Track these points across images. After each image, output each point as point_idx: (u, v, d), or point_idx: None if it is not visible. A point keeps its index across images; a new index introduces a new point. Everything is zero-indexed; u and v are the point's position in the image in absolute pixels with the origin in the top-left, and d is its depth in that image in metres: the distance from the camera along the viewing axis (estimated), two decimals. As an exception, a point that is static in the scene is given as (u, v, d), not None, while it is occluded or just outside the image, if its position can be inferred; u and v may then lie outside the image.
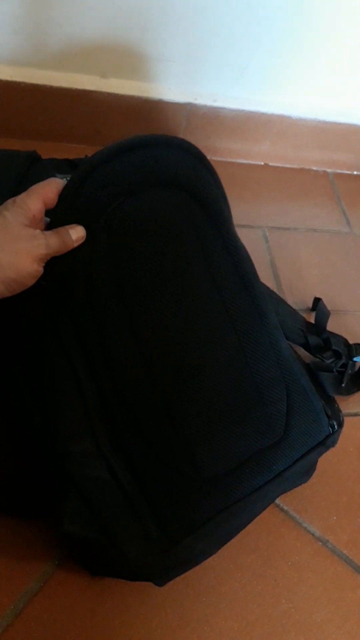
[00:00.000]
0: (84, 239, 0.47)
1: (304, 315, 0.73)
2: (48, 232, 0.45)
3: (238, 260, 0.52)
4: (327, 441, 0.53)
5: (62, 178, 0.57)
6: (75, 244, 0.46)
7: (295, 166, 0.99)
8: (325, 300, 0.74)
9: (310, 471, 0.58)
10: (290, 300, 0.77)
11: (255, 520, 0.56)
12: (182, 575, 0.51)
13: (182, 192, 0.50)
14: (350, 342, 0.70)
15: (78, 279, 0.47)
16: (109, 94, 0.81)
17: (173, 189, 0.50)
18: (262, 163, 0.98)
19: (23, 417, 0.47)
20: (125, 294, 0.48)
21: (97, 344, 0.47)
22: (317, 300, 0.75)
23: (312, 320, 0.72)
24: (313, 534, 0.58)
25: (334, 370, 0.64)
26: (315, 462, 0.57)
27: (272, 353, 0.52)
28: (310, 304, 0.77)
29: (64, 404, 0.47)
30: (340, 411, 0.59)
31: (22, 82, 0.77)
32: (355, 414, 0.67)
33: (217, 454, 0.48)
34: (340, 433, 0.56)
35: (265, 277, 0.80)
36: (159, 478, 0.46)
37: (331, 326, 0.71)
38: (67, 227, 0.46)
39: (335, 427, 0.55)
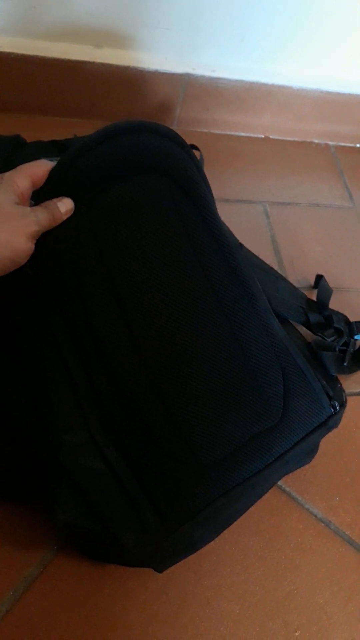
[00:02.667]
0: (73, 211, 0.47)
1: (306, 293, 0.71)
2: (37, 208, 0.45)
3: (223, 245, 0.52)
4: (329, 422, 0.53)
5: (51, 160, 0.56)
6: (64, 217, 0.47)
7: (296, 139, 0.97)
8: (327, 278, 0.72)
9: (312, 452, 0.57)
10: (291, 278, 0.75)
11: (257, 502, 0.56)
12: (183, 559, 0.51)
13: (164, 178, 0.50)
14: (352, 319, 0.69)
15: (64, 266, 0.47)
16: (103, 65, 0.78)
17: (156, 175, 0.50)
18: (263, 136, 0.95)
19: (13, 407, 0.46)
20: (112, 280, 0.48)
21: (87, 331, 0.47)
22: (319, 278, 0.73)
23: (315, 298, 0.70)
24: (315, 515, 0.58)
25: (336, 348, 0.63)
26: (318, 443, 0.56)
27: (264, 336, 0.52)
28: (312, 281, 0.76)
29: (56, 394, 0.46)
30: (343, 391, 0.58)
31: (12, 53, 0.74)
32: (359, 394, 0.66)
33: (214, 438, 0.47)
34: (342, 413, 0.55)
35: (266, 253, 0.78)
36: (155, 465, 0.46)
37: (334, 304, 0.69)
38: (55, 200, 0.46)
39: (337, 407, 0.54)
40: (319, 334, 0.64)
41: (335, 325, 0.65)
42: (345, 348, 0.64)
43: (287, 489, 0.59)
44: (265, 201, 0.85)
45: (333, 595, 0.53)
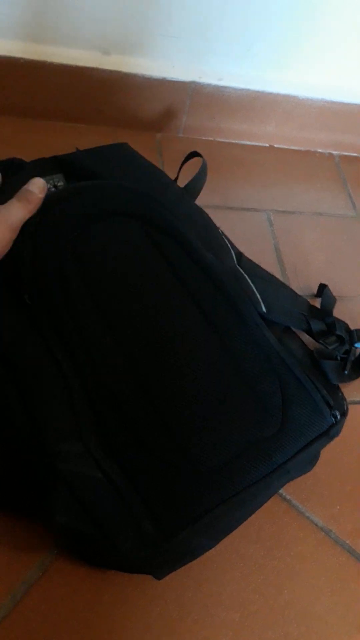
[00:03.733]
0: (46, 187, 0.53)
1: (310, 300, 0.71)
2: (11, 200, 0.50)
3: (206, 267, 0.55)
4: (330, 431, 0.53)
5: (48, 180, 0.57)
6: (41, 195, 0.52)
7: (300, 148, 0.97)
8: (330, 286, 0.72)
9: (313, 461, 0.57)
10: (294, 286, 0.75)
11: (257, 511, 0.56)
12: (183, 567, 0.51)
13: (138, 220, 0.56)
14: (353, 327, 0.69)
15: (52, 287, 0.51)
16: (110, 72, 0.78)
17: (131, 219, 0.56)
18: (268, 145, 0.95)
19: (8, 415, 0.47)
20: (98, 302, 0.51)
21: (79, 346, 0.49)
22: (322, 287, 0.73)
23: (318, 306, 0.70)
24: (316, 524, 0.57)
25: (338, 357, 0.63)
26: (319, 452, 0.56)
27: (258, 349, 0.53)
28: (315, 289, 0.76)
29: (51, 404, 0.47)
30: (344, 400, 0.58)
31: (21, 58, 0.75)
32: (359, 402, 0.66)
33: (212, 446, 0.48)
34: (344, 422, 0.55)
35: (269, 261, 0.78)
36: (151, 473, 0.46)
37: (337, 312, 0.69)
38: (24, 186, 0.51)
39: (338, 416, 0.54)
40: (321, 342, 0.64)
41: (338, 332, 0.65)
42: (346, 356, 0.64)
43: (288, 497, 0.58)
44: (269, 209, 0.85)
45: (333, 604, 0.53)
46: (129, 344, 0.50)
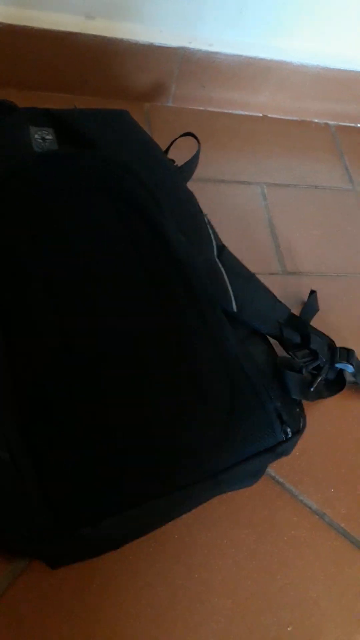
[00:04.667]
0: None
1: (302, 283, 0.68)
2: None
3: (172, 251, 0.53)
4: (276, 449, 0.49)
5: (37, 131, 0.54)
6: None
7: (295, 118, 0.94)
8: (325, 262, 0.70)
9: (256, 475, 0.53)
10: (288, 262, 0.73)
11: (249, 494, 0.54)
12: (172, 552, 0.50)
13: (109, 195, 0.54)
14: (351, 308, 0.66)
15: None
16: (94, 37, 0.75)
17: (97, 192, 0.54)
18: (261, 114, 0.92)
19: None
20: (49, 272, 0.49)
21: (16, 313, 0.48)
22: (311, 293, 0.67)
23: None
24: (310, 507, 0.56)
25: (303, 370, 0.56)
26: (264, 468, 0.53)
27: (213, 346, 0.50)
28: (309, 268, 0.73)
29: None
30: (302, 417, 0.53)
31: (1, 23, 0.71)
32: (355, 382, 0.64)
33: (138, 441, 0.45)
34: (296, 442, 0.51)
35: (262, 237, 0.75)
36: (63, 462, 0.43)
37: (333, 290, 0.67)
38: None
39: (290, 434, 0.50)
40: (291, 353, 0.58)
41: (312, 346, 0.58)
42: (315, 372, 0.58)
43: (281, 479, 0.57)
44: (262, 182, 0.82)
45: (327, 589, 0.52)
46: (71, 319, 0.48)
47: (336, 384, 0.60)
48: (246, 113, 0.91)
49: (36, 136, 0.56)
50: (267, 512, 0.55)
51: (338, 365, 0.59)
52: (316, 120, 0.95)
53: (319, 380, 0.56)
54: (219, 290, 0.55)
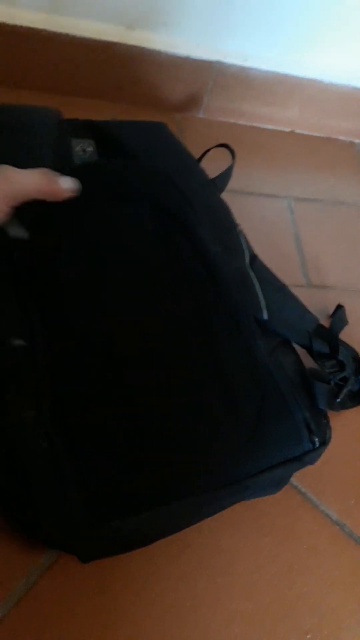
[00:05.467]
0: (75, 193, 0.48)
1: (325, 297, 0.69)
2: (32, 170, 0.44)
3: (208, 260, 0.54)
4: (303, 458, 0.50)
5: (78, 143, 0.55)
6: (65, 195, 0.47)
7: (322, 135, 0.95)
8: (349, 278, 0.71)
9: (280, 484, 0.53)
10: (313, 276, 0.74)
11: (271, 502, 0.55)
12: (196, 556, 0.51)
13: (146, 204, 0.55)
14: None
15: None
16: (134, 47, 0.76)
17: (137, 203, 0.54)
18: (289, 130, 0.93)
19: None
20: (88, 281, 0.50)
21: (55, 311, 0.48)
22: (338, 307, 0.68)
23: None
24: (330, 518, 0.57)
25: (331, 381, 0.58)
26: (288, 477, 0.54)
27: (245, 355, 0.51)
28: (334, 282, 0.74)
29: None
30: (328, 428, 0.54)
31: (44, 30, 0.72)
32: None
33: (169, 442, 0.46)
34: (322, 452, 0.52)
35: (289, 251, 0.76)
36: (98, 455, 0.44)
37: (357, 306, 0.68)
38: (56, 173, 0.46)
39: (317, 444, 0.51)
40: (319, 363, 0.59)
41: (340, 357, 0.60)
42: (342, 384, 0.59)
43: (303, 489, 0.58)
44: (290, 196, 0.83)
45: (345, 598, 0.53)
46: (109, 324, 0.48)
47: (359, 396, 0.61)
48: (275, 128, 0.92)
49: (77, 149, 0.56)
50: (289, 520, 0.56)
51: None
52: (342, 138, 0.96)
53: (345, 392, 0.57)
54: (251, 298, 0.56)
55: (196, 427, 0.47)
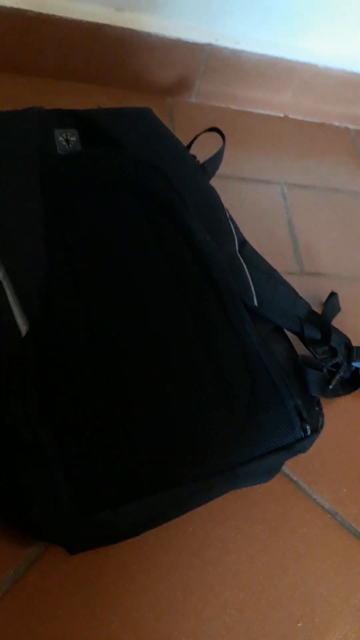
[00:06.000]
0: None
1: (319, 284, 0.68)
2: None
3: (197, 248, 0.54)
4: (295, 446, 0.49)
5: (61, 133, 0.55)
6: None
7: (316, 120, 0.94)
8: (342, 265, 0.70)
9: (271, 472, 0.53)
10: (306, 263, 0.73)
11: (263, 490, 0.55)
12: (187, 546, 0.50)
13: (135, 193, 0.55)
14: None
15: None
16: (123, 29, 0.75)
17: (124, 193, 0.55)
18: (282, 115, 0.92)
19: None
20: (75, 269, 0.50)
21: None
22: (332, 294, 0.67)
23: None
24: (323, 506, 0.57)
25: (324, 368, 0.57)
26: (280, 465, 0.53)
27: (235, 342, 0.51)
28: (327, 269, 0.74)
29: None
30: (321, 415, 0.53)
31: (29, 11, 0.71)
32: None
33: (159, 431, 0.45)
34: (314, 440, 0.51)
35: (282, 237, 0.76)
36: (86, 446, 0.44)
37: (348, 292, 0.67)
38: None
39: (309, 431, 0.50)
40: (311, 349, 0.58)
41: (332, 344, 0.59)
42: (334, 370, 0.58)
43: (295, 477, 0.57)
44: (282, 182, 0.82)
45: (337, 587, 0.52)
46: (98, 314, 0.48)
47: (352, 383, 0.60)
48: (268, 113, 0.91)
49: (60, 139, 0.57)
50: (281, 509, 0.55)
51: (354, 364, 0.60)
52: (336, 124, 0.95)
53: (337, 378, 0.56)
54: (241, 284, 0.56)
55: (186, 416, 0.47)
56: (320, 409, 0.54)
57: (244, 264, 0.58)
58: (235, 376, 0.49)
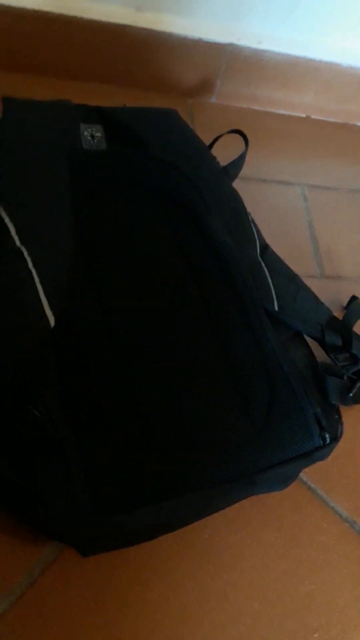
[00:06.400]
0: None
1: (339, 289, 0.67)
2: None
3: (217, 250, 0.54)
4: (313, 454, 0.49)
5: (87, 128, 0.55)
6: None
7: (338, 120, 0.92)
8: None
9: (288, 481, 0.52)
10: (327, 266, 0.72)
11: (280, 498, 0.54)
12: (202, 552, 0.50)
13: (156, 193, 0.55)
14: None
15: None
16: (143, 30, 0.74)
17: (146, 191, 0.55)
18: (304, 115, 0.91)
19: None
20: (96, 270, 0.50)
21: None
22: (353, 299, 0.66)
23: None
24: (340, 515, 0.56)
25: (344, 376, 0.56)
26: (297, 473, 0.52)
27: (254, 348, 0.50)
28: (347, 272, 0.72)
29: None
30: (340, 423, 0.52)
31: (50, 12, 0.71)
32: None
33: (177, 434, 0.45)
34: (333, 448, 0.50)
35: (302, 239, 0.75)
36: (105, 446, 0.44)
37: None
38: None
39: (328, 440, 0.49)
40: (331, 356, 0.57)
41: (353, 350, 0.57)
42: (355, 377, 0.57)
43: (313, 485, 0.57)
44: (303, 184, 0.81)
45: (354, 597, 0.52)
46: (116, 313, 0.48)
47: None
48: (290, 113, 0.90)
49: (85, 133, 0.57)
50: (298, 516, 0.54)
51: None
52: (359, 124, 0.93)
53: (358, 386, 0.55)
54: (262, 289, 0.55)
55: (205, 421, 0.46)
56: (340, 417, 0.53)
57: (265, 268, 0.57)
58: (254, 382, 0.49)
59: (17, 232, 0.50)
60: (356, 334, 0.60)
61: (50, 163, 0.55)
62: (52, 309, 0.47)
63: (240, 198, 0.61)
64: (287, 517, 0.54)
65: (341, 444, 0.52)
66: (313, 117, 0.91)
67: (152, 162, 0.56)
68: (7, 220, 0.50)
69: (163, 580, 0.48)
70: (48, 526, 0.44)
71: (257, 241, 0.59)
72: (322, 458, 0.50)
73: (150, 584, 0.48)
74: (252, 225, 0.60)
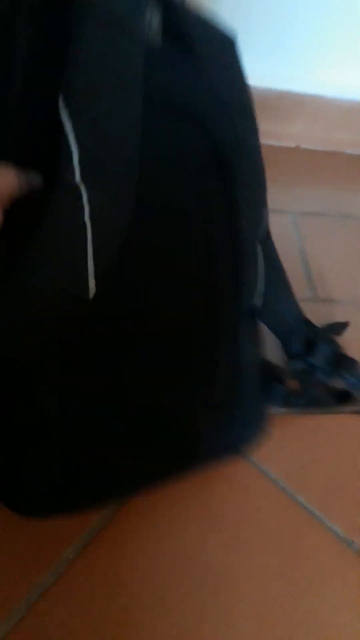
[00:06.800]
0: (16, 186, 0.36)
1: (330, 313, 0.69)
2: None
3: (234, 238, 0.49)
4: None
5: (149, 10, 0.45)
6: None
7: (328, 149, 0.95)
8: (357, 292, 0.71)
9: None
10: (320, 291, 0.74)
11: (277, 519, 0.55)
12: (200, 575, 0.50)
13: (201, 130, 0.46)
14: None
15: None
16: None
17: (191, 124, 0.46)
18: (294, 145, 0.94)
19: None
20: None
21: None
22: (343, 323, 0.66)
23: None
24: (337, 534, 0.56)
25: (300, 379, 0.56)
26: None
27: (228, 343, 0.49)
28: (341, 295, 0.74)
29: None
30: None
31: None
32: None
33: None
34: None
35: (294, 265, 0.77)
36: (86, 419, 0.43)
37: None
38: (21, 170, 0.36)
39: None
40: (290, 361, 0.58)
41: (313, 356, 0.57)
42: (304, 383, 0.57)
43: (309, 506, 0.57)
44: (295, 211, 0.84)
45: (352, 618, 0.52)
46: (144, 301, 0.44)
47: (344, 395, 0.60)
48: (279, 144, 0.93)
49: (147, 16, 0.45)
50: (294, 537, 0.55)
51: (347, 379, 0.60)
52: (349, 152, 0.96)
53: (309, 391, 0.57)
54: (251, 280, 0.53)
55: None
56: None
57: (261, 258, 0.55)
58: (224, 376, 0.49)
59: (80, 162, 0.37)
60: (332, 340, 0.62)
61: (129, 60, 0.41)
62: (95, 278, 0.38)
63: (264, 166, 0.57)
64: (283, 538, 0.55)
65: (338, 464, 0.53)
66: (303, 146, 0.94)
67: (210, 141, 0.48)
68: (71, 139, 0.37)
69: (162, 604, 0.49)
70: (20, 490, 0.44)
71: (264, 225, 0.56)
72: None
73: (148, 609, 0.48)
74: (264, 208, 0.57)
